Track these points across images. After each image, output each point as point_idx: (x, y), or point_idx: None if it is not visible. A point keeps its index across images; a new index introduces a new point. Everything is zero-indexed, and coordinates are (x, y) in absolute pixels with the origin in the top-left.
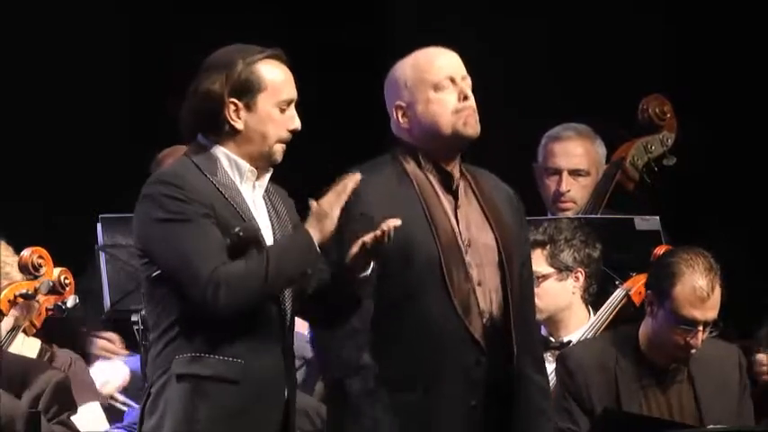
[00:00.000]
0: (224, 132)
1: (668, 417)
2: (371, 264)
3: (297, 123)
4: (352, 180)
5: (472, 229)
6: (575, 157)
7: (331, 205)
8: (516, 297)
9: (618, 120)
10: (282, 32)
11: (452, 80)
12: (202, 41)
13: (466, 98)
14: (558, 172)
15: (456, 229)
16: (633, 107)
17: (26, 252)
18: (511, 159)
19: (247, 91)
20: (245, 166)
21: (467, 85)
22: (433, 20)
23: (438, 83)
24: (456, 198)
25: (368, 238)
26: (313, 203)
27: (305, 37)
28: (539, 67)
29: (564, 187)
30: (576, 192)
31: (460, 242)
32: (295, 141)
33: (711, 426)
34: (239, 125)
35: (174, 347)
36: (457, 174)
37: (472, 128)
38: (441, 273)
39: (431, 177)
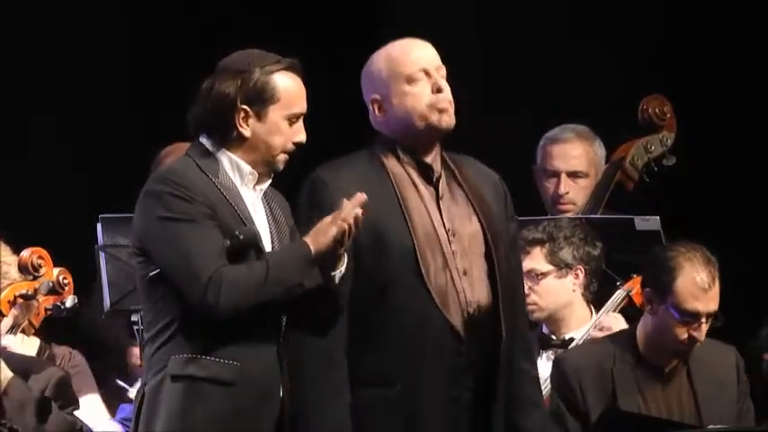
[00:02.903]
0: (230, 137)
1: (667, 417)
2: (344, 260)
3: (303, 137)
4: (354, 202)
5: (456, 219)
6: (573, 158)
7: (330, 224)
8: (504, 284)
9: (618, 120)
10: (282, 33)
11: (426, 72)
12: (202, 42)
13: (440, 90)
14: (557, 174)
15: (435, 219)
16: (633, 107)
17: (26, 252)
18: (510, 160)
19: (260, 100)
20: (247, 168)
21: (441, 76)
22: (432, 20)
23: (411, 75)
24: (437, 189)
25: (341, 223)
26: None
27: (304, 39)
28: (539, 66)
29: (563, 189)
30: (575, 193)
31: (441, 232)
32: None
33: (711, 426)
34: (247, 132)
35: (170, 348)
36: (437, 165)
37: (446, 121)
38: (416, 262)
39: (409, 170)
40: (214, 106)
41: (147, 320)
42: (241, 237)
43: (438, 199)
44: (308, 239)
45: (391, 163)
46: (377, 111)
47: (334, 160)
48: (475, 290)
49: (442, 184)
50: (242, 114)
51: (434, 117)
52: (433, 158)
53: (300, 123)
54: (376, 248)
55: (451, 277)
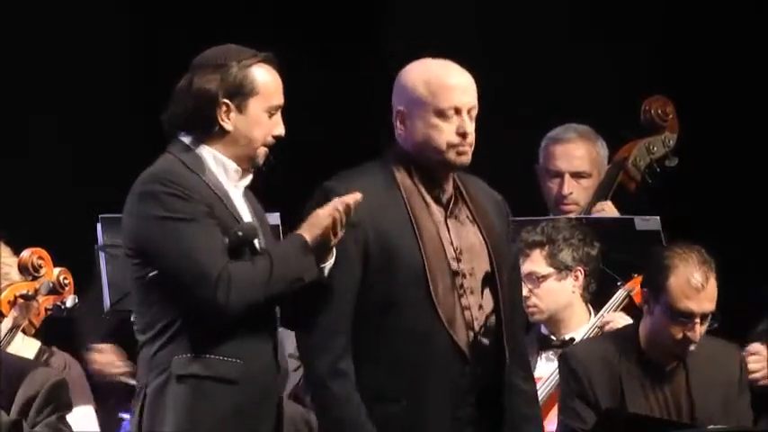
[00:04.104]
0: (211, 132)
1: (668, 415)
2: (333, 253)
3: (282, 129)
4: (350, 198)
5: (463, 238)
6: (576, 159)
7: (325, 217)
8: (507, 305)
9: (620, 120)
10: (282, 33)
11: (458, 111)
12: (202, 42)
13: (464, 135)
14: (560, 174)
15: (444, 238)
16: (635, 108)
17: (26, 253)
18: (511, 160)
19: (240, 93)
20: (232, 165)
21: (471, 117)
22: (432, 20)
23: (442, 111)
24: (446, 208)
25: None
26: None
27: (304, 39)
28: (540, 66)
29: (566, 190)
30: (578, 194)
31: (450, 251)
32: (294, 143)
33: (712, 426)
34: (228, 126)
35: (172, 348)
36: (449, 186)
37: (462, 161)
38: (425, 281)
39: (420, 187)
40: (195, 102)
41: (145, 321)
42: (240, 233)
43: (446, 217)
44: (303, 232)
45: (403, 177)
46: (399, 122)
47: (346, 171)
48: (480, 310)
49: (451, 203)
50: (224, 108)
51: (451, 155)
52: (446, 179)
53: (279, 116)
54: (385, 262)
55: (459, 297)
